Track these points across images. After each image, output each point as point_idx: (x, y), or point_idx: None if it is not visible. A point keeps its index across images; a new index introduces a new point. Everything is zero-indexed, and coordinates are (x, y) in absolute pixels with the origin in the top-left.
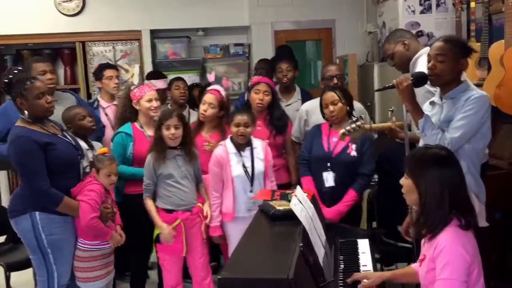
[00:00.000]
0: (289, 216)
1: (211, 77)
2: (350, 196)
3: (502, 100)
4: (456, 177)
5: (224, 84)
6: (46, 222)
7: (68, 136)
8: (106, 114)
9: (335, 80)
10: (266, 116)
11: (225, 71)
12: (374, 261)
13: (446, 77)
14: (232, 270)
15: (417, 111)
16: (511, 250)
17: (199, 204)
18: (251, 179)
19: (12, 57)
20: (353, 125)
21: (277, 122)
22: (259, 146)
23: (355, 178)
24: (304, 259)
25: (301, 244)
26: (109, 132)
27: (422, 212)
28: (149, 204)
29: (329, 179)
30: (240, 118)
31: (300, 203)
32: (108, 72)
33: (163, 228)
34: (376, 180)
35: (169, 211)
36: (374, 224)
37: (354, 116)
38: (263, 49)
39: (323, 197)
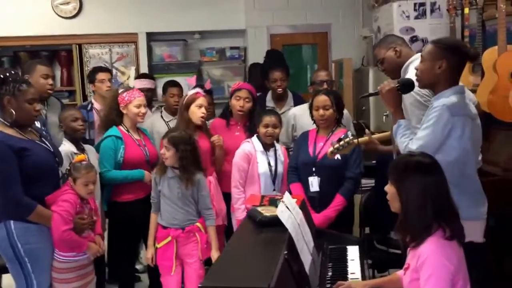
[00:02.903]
0: (276, 223)
1: (193, 80)
2: (337, 201)
3: (494, 106)
4: (439, 186)
5: (207, 86)
6: (21, 231)
7: (47, 143)
8: (100, 116)
9: (325, 85)
10: (246, 123)
11: (221, 74)
12: (363, 268)
13: (424, 79)
14: (213, 278)
15: (398, 116)
16: (506, 255)
17: (197, 224)
18: (274, 178)
19: (9, 59)
20: (341, 142)
21: (254, 128)
22: (280, 149)
23: (341, 183)
24: (289, 267)
25: (285, 252)
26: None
27: (403, 219)
28: (152, 220)
29: (314, 183)
30: (269, 119)
31: (287, 209)
32: (100, 75)
33: (148, 251)
34: (373, 185)
35: (164, 227)
36: (367, 230)
37: (342, 124)
38: (259, 53)
39: (310, 203)
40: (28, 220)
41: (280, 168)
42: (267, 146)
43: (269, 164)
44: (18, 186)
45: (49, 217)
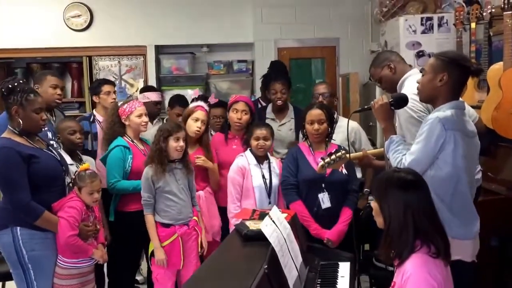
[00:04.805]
0: (262, 237)
1: (195, 92)
2: (347, 214)
3: (499, 122)
4: (422, 203)
5: (211, 100)
6: (27, 237)
7: (53, 151)
8: (103, 128)
9: (321, 98)
10: (243, 136)
11: (228, 88)
12: (353, 285)
13: (424, 92)
14: None
15: (390, 132)
16: (509, 276)
17: (195, 218)
18: (269, 191)
19: (22, 70)
20: (333, 157)
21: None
22: (275, 161)
23: (346, 196)
24: (268, 282)
25: (266, 266)
26: None
27: (386, 236)
28: (150, 221)
29: (325, 200)
30: (260, 132)
31: (273, 223)
32: (106, 88)
33: (160, 253)
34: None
35: (167, 225)
36: (367, 247)
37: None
38: (266, 66)
39: (320, 219)
40: (34, 226)
41: (275, 181)
42: (261, 159)
43: (263, 177)
44: (26, 191)
45: (56, 223)
